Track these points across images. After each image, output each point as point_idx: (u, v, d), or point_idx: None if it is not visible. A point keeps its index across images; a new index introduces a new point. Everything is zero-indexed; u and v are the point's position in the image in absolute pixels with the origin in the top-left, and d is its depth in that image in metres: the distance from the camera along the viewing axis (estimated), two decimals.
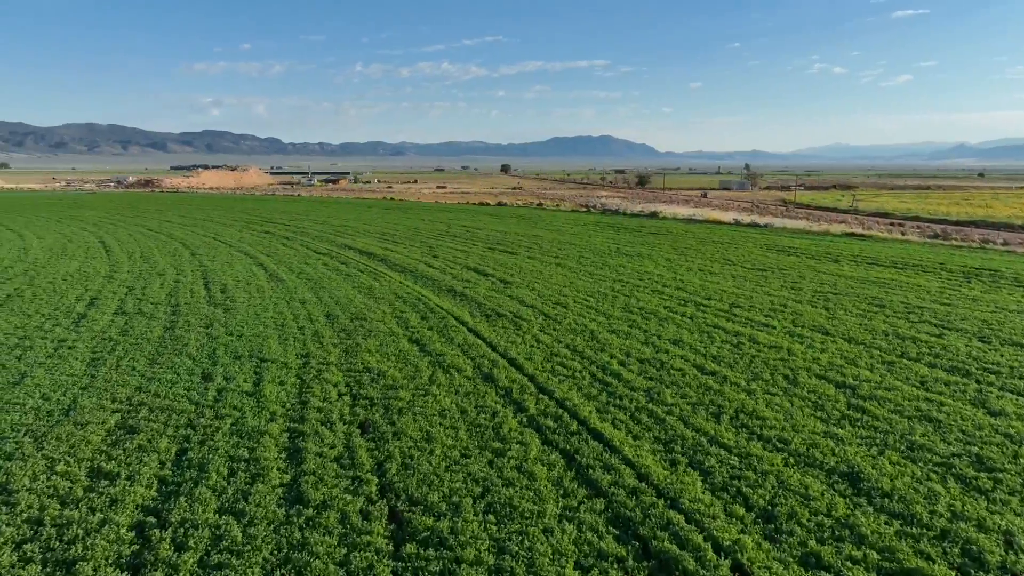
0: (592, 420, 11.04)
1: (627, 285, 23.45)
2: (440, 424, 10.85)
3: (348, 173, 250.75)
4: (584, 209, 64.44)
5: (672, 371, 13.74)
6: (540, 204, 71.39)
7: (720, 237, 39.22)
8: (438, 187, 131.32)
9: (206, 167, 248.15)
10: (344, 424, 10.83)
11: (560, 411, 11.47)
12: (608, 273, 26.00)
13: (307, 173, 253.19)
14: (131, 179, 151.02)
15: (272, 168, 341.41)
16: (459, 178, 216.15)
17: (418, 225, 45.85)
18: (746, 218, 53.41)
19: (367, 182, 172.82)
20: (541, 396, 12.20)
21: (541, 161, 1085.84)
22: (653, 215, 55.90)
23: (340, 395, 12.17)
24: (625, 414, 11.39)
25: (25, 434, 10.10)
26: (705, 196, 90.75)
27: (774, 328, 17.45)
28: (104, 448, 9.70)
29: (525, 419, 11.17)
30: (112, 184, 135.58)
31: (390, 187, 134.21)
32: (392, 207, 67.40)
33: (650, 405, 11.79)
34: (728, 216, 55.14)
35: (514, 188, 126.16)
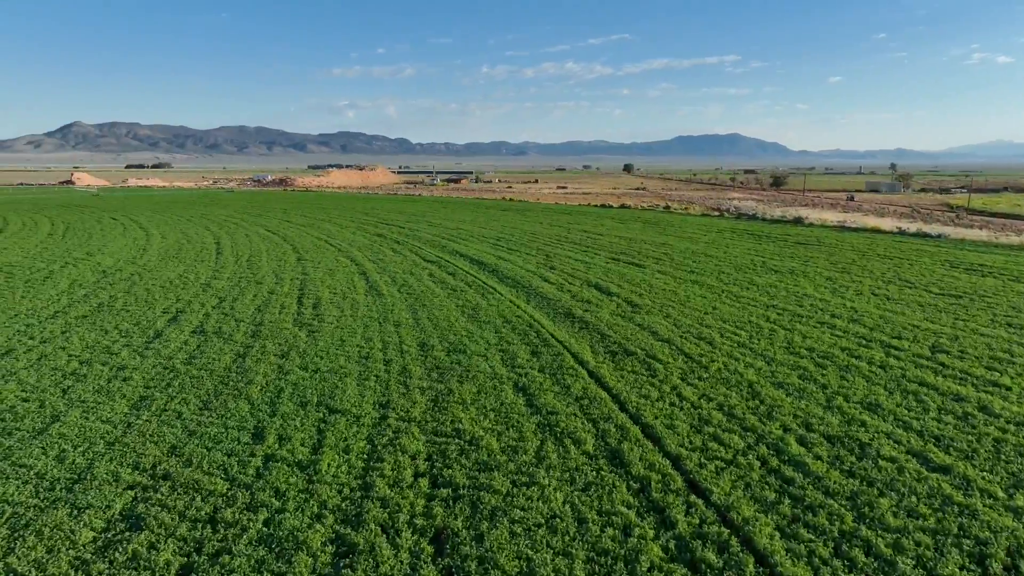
0: (777, 555, 7.27)
1: (784, 313, 19.03)
2: (547, 546, 7.48)
3: (470, 172, 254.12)
4: (716, 213, 58.89)
5: (881, 462, 9.59)
6: (667, 207, 66.44)
7: (885, 250, 33.20)
8: (559, 187, 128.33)
9: (338, 167, 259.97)
10: (413, 532, 7.72)
11: (724, 532, 7.77)
12: (757, 295, 21.59)
13: (431, 172, 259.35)
14: (269, 178, 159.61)
15: (400, 167, 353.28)
16: (580, 178, 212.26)
17: (535, 229, 42.82)
18: (910, 226, 46.13)
19: (488, 181, 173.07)
20: (693, 500, 8.53)
21: (665, 160, 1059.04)
22: (797, 221, 49.70)
23: (416, 477, 9.11)
24: (825, 547, 7.52)
25: (4, 523, 7.75)
26: (852, 199, 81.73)
27: (1010, 390, 12.68)
28: (87, 557, 7.13)
29: (673, 544, 7.57)
30: (250, 183, 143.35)
31: (510, 187, 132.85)
32: (510, 208, 64.95)
33: (862, 529, 7.83)
34: (887, 223, 47.96)
35: (638, 189, 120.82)
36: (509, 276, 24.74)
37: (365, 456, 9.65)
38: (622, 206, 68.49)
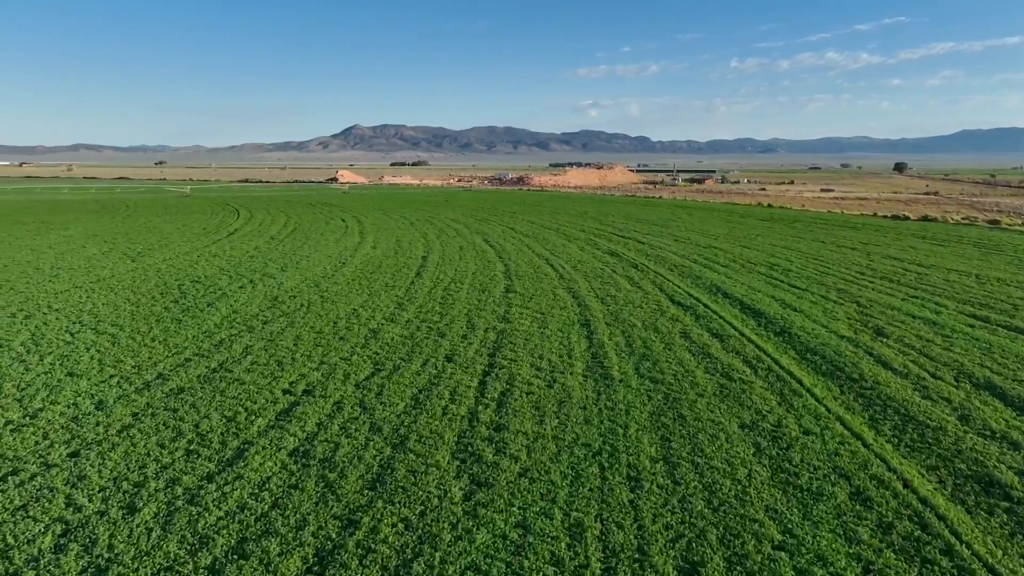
0: None
1: None
2: None
3: (714, 171, 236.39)
4: None
5: None
6: (994, 221, 49.88)
7: None
8: (822, 190, 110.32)
9: (578, 165, 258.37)
10: None
11: None
12: None
13: (671, 171, 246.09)
14: (510, 175, 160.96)
15: (638, 165, 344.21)
16: (841, 178, 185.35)
17: (819, 252, 32.01)
18: None
19: (735, 182, 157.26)
20: None
21: (939, 158, 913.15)
22: None
23: None
24: None
25: None
26: None
27: None
28: None
29: None
30: (487, 182, 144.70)
31: (763, 188, 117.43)
32: (772, 218, 53.39)
33: None
34: None
35: (926, 193, 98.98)
36: (814, 348, 15.45)
37: None
38: (924, 218, 53.14)
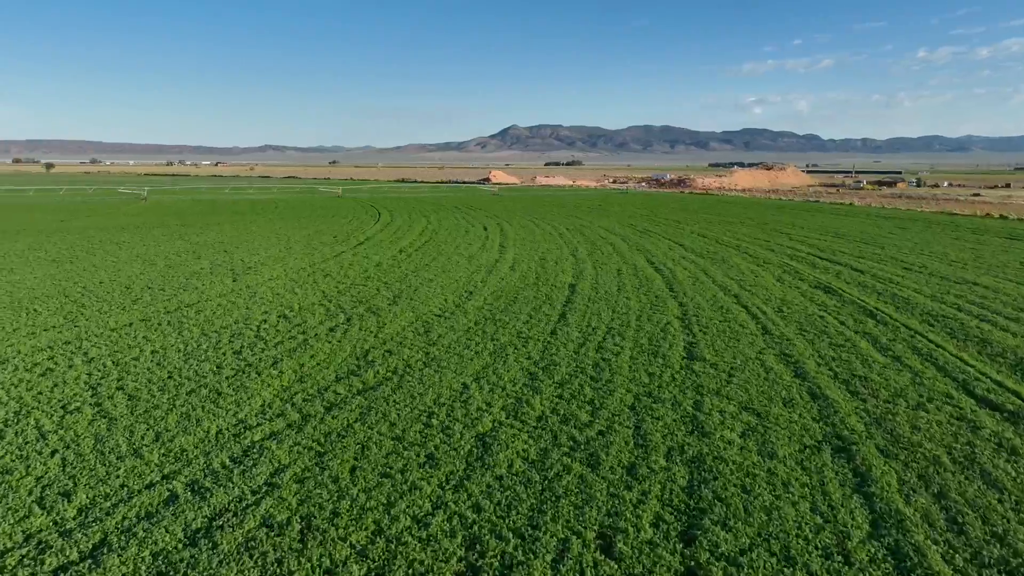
0: None
1: None
2: None
3: (900, 173, 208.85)
4: None
5: None
6: None
7: None
8: None
9: (741, 165, 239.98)
10: None
11: None
12: None
13: (849, 172, 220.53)
14: (668, 176, 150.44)
15: (807, 166, 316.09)
16: None
17: None
18: None
19: (933, 185, 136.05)
20: None
21: None
22: None
23: None
24: None
25: None
26: None
27: None
28: None
29: None
30: (643, 184, 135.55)
31: (976, 194, 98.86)
32: None
33: None
34: None
35: None
36: None
37: None
38: None
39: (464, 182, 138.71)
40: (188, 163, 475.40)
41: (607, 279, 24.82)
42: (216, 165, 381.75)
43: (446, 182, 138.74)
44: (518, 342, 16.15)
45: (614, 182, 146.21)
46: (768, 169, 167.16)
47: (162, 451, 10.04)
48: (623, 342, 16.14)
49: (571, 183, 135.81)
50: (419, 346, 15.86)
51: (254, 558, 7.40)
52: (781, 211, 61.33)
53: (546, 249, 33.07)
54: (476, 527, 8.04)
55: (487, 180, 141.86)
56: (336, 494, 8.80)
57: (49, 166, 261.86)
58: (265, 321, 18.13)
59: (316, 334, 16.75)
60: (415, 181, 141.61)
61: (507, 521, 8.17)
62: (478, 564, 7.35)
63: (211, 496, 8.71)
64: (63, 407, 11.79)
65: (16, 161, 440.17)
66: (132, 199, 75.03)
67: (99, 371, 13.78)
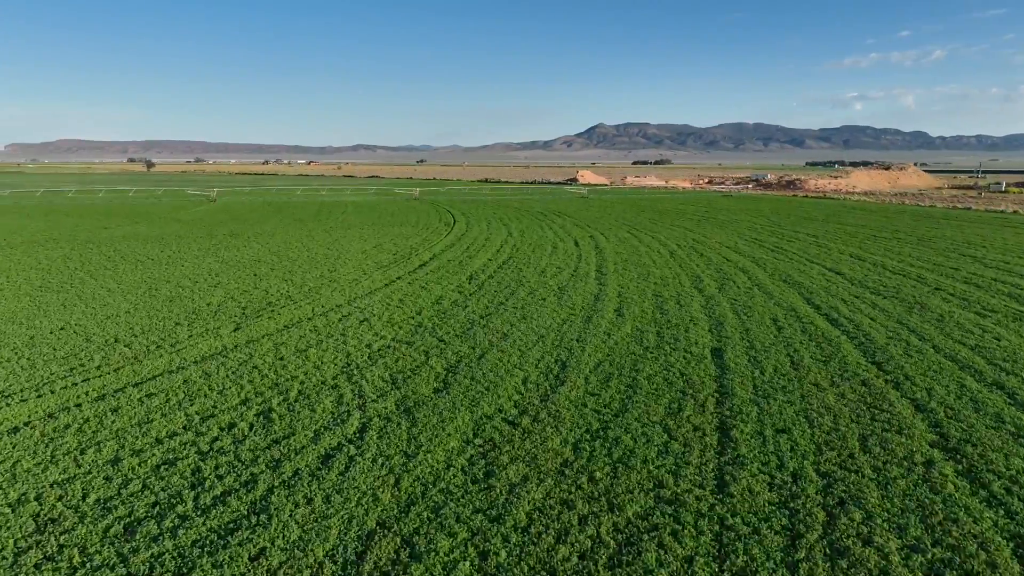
0: None
1: None
2: None
3: None
4: None
5: None
6: None
7: None
8: None
9: (842, 163, 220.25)
10: None
11: None
12: None
13: (975, 172, 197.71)
14: (769, 177, 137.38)
15: (916, 165, 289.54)
16: None
17: None
18: None
19: None
20: None
21: None
22: None
23: None
24: None
25: None
26: None
27: None
28: None
29: None
30: (743, 186, 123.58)
31: None
32: None
33: None
34: None
35: None
36: None
37: None
38: None
39: (550, 182, 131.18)
40: (284, 162, 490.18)
41: (764, 337, 16.61)
42: (308, 164, 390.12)
43: (531, 182, 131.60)
44: (658, 512, 8.36)
45: (710, 182, 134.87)
46: (886, 169, 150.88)
47: None
48: (862, 504, 8.06)
49: (664, 184, 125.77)
50: (467, 518, 8.34)
51: None
52: (931, 221, 50.35)
53: (659, 279, 24.99)
54: None
55: (574, 180, 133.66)
56: None
57: (150, 165, 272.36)
58: (217, 440, 11.09)
59: (285, 480, 9.53)
60: (498, 181, 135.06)
61: None
62: None
63: None
64: None
65: (130, 160, 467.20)
66: (200, 200, 71.72)
67: None
